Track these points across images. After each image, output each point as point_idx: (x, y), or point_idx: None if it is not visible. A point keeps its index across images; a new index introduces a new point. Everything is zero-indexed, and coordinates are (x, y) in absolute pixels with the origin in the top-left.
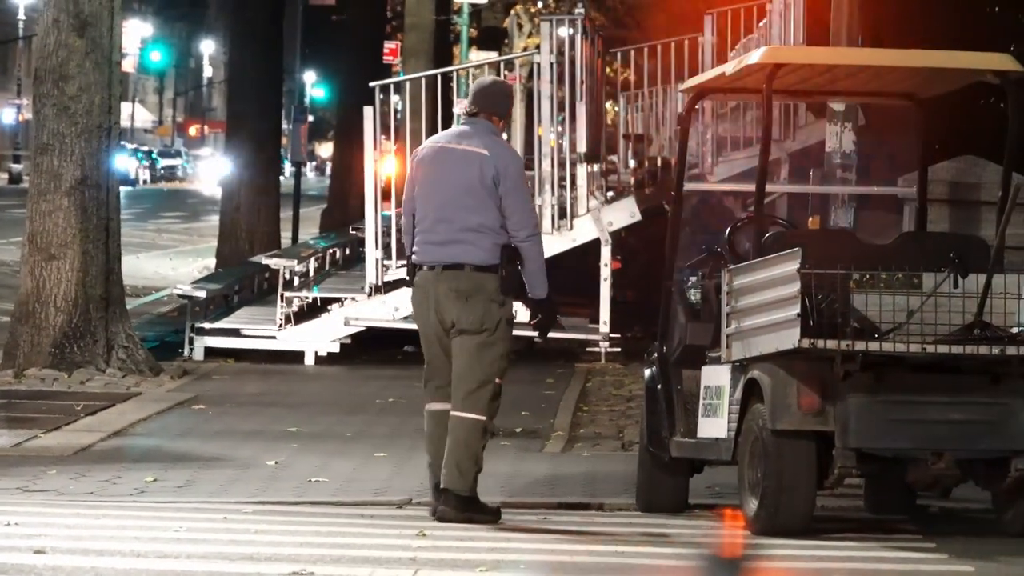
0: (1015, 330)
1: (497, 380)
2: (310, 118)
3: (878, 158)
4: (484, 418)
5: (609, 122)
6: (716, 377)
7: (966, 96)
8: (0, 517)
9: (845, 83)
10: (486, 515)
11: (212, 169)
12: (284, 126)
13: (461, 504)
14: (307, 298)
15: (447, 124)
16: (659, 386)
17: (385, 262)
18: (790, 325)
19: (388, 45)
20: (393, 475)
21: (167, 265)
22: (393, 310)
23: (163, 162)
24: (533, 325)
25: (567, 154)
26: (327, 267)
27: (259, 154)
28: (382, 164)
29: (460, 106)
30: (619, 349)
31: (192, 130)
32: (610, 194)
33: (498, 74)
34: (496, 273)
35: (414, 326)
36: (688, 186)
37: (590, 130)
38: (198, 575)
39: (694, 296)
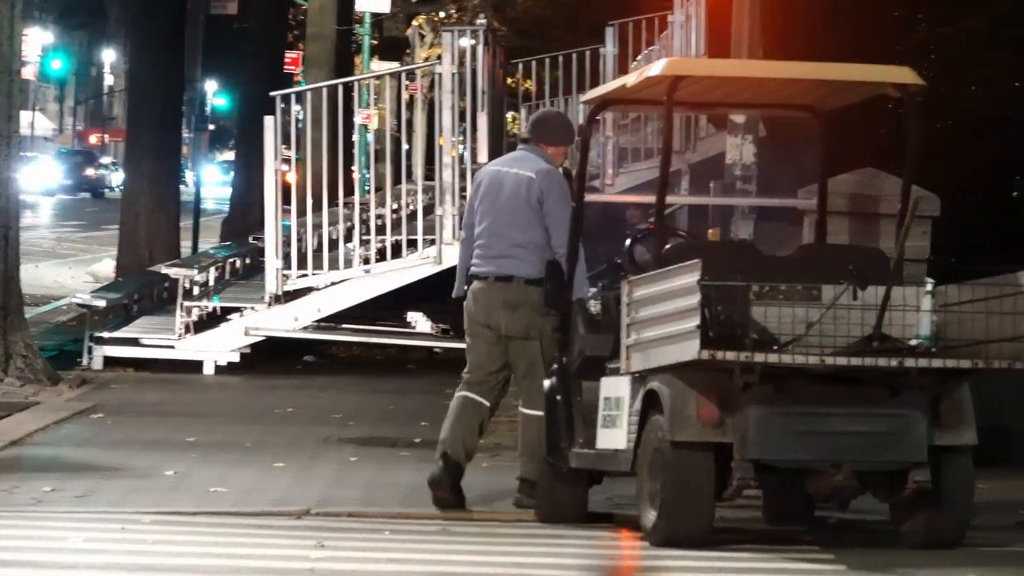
0: (914, 342)
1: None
2: (211, 127)
3: (778, 170)
4: (543, 413)
5: (510, 132)
6: (616, 388)
7: (867, 109)
8: None
9: (746, 95)
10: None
11: (113, 178)
12: (185, 135)
13: (534, 490)
14: (207, 308)
15: (348, 134)
16: (559, 397)
17: (285, 272)
18: (690, 336)
19: (290, 55)
20: (292, 485)
21: (66, 274)
22: (293, 320)
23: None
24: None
25: (468, 164)
26: (227, 276)
27: (159, 163)
28: (282, 174)
29: (361, 116)
30: None
31: (93, 139)
32: None
33: (399, 84)
34: (541, 286)
35: (314, 336)
36: (589, 197)
37: (491, 140)
38: None
39: (594, 307)
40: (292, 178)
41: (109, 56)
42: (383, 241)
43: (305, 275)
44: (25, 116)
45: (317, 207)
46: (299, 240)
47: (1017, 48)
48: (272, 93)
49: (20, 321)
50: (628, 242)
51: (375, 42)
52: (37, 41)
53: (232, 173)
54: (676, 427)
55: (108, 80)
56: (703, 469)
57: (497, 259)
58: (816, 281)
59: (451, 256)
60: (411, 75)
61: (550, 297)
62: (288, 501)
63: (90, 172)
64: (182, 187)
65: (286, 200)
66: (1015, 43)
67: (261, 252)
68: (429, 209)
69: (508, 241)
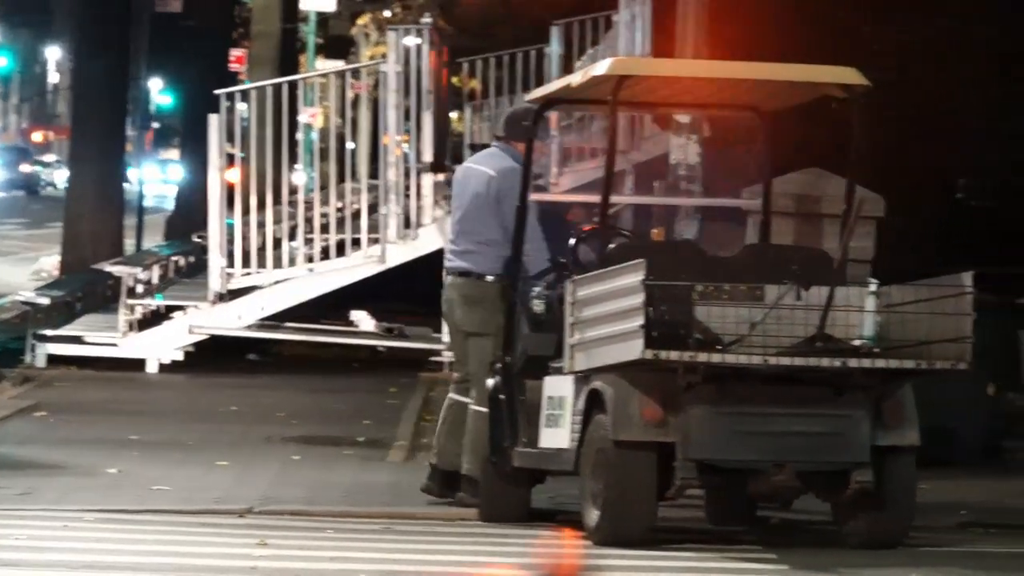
0: (857, 343)
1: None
2: (155, 125)
3: (723, 170)
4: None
5: (455, 132)
6: (559, 388)
7: (811, 109)
8: None
9: (691, 95)
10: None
11: (58, 176)
12: (129, 133)
13: (476, 488)
14: (151, 306)
15: (293, 133)
16: (502, 396)
17: (229, 270)
18: (633, 336)
19: (235, 53)
20: (235, 484)
21: (9, 272)
22: (237, 318)
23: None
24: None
25: (413, 163)
26: (171, 275)
27: (103, 161)
28: (227, 172)
29: (306, 114)
30: None
31: (37, 136)
32: None
33: (344, 82)
34: (499, 282)
35: (258, 334)
36: (533, 196)
37: (436, 140)
38: None
39: (538, 306)
40: (235, 176)
41: (54, 54)
42: (327, 240)
43: (249, 273)
44: None
45: (261, 205)
46: (243, 238)
47: (962, 53)
48: (217, 91)
49: None
50: (572, 242)
51: (320, 41)
52: None
53: (167, 171)
54: (619, 426)
55: (53, 78)
56: (646, 468)
57: (461, 255)
58: (760, 281)
59: (395, 255)
60: (356, 74)
61: (507, 293)
62: (231, 499)
63: (25, 168)
64: (126, 185)
65: (230, 199)
66: (960, 48)
67: (205, 250)
68: (373, 208)
69: (473, 237)
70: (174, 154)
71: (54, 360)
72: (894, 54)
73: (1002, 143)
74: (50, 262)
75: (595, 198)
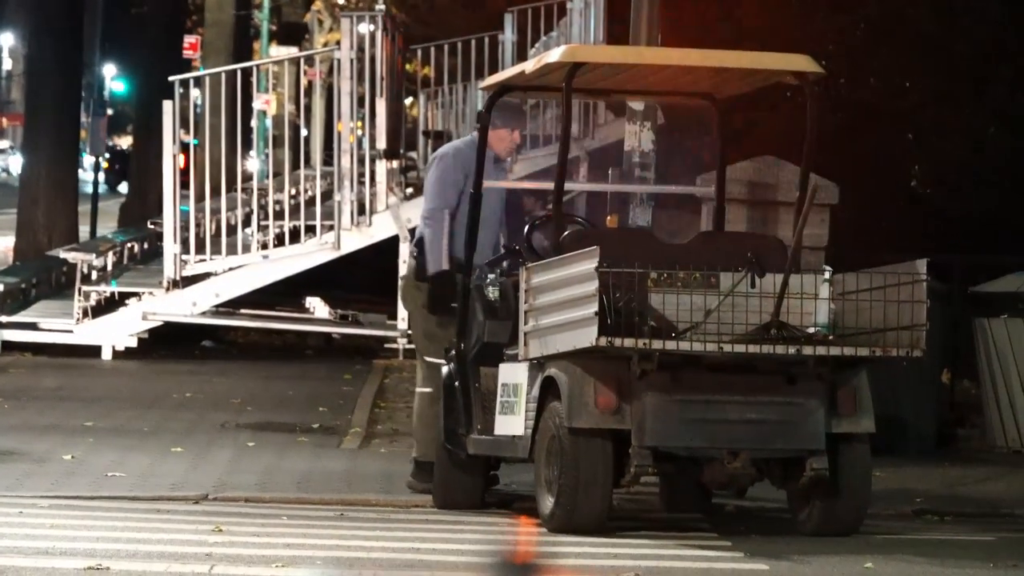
0: (811, 330)
1: (428, 360)
2: (109, 111)
3: (677, 157)
4: (430, 390)
5: (409, 119)
6: (514, 375)
7: (767, 96)
8: None
9: (645, 82)
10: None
11: (12, 162)
12: (83, 119)
13: (424, 473)
14: (105, 292)
15: (247, 119)
16: (457, 383)
17: (183, 256)
18: (587, 323)
19: (188, 39)
20: (190, 470)
21: None
22: (191, 305)
23: None
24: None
25: (367, 150)
26: (125, 261)
27: (57, 147)
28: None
29: (260, 101)
30: None
31: None
32: (409, 191)
33: (298, 69)
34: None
35: (212, 321)
36: (487, 183)
37: (390, 126)
38: None
39: (492, 293)
40: (185, 162)
41: (7, 40)
42: (281, 227)
43: (203, 260)
44: None
45: (215, 192)
46: (197, 225)
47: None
48: (171, 78)
49: None
50: (526, 229)
51: (274, 28)
52: None
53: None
54: (574, 414)
55: (7, 64)
56: (600, 456)
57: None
58: (714, 268)
59: (349, 242)
60: (310, 61)
61: (418, 271)
62: (186, 486)
63: None
64: (80, 172)
65: (184, 185)
66: (913, 34)
67: (159, 237)
68: (327, 195)
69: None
70: (127, 141)
71: (8, 347)
72: (846, 41)
73: (956, 132)
74: (1, 252)
75: (549, 185)
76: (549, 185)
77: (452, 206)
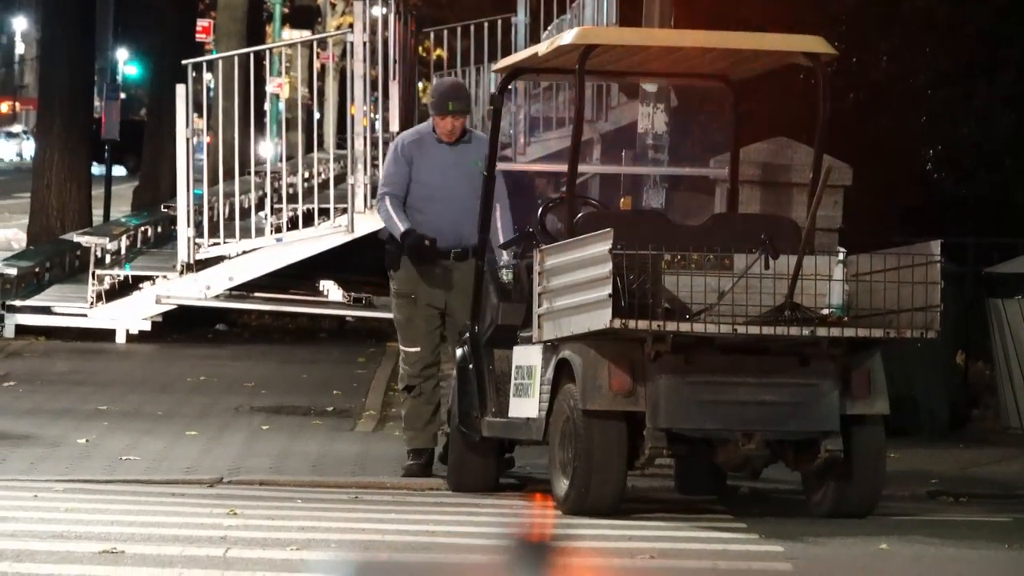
0: (825, 311)
1: (403, 348)
2: (123, 96)
3: (690, 139)
4: (401, 385)
5: (422, 102)
6: (528, 357)
7: (779, 78)
8: None
9: (658, 64)
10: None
11: (26, 147)
12: (97, 103)
13: (421, 457)
14: (119, 276)
15: (260, 103)
16: (471, 366)
17: (197, 240)
18: (602, 305)
19: (201, 23)
20: (204, 454)
21: None
22: (205, 288)
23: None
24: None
25: (380, 133)
26: (139, 245)
27: (70, 132)
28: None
29: (273, 84)
30: None
31: (3, 107)
32: None
33: (311, 53)
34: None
35: (226, 305)
36: (500, 166)
37: (403, 109)
38: (7, 553)
39: (506, 276)
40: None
41: (21, 24)
42: (295, 210)
43: (217, 243)
44: None
45: (229, 175)
46: (211, 208)
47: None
48: (184, 62)
49: None
50: (540, 211)
51: (286, 11)
52: None
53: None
54: (588, 396)
55: (20, 48)
56: (615, 438)
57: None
58: (728, 250)
59: (363, 225)
60: (323, 44)
61: (388, 259)
62: (200, 469)
63: None
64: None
65: (197, 169)
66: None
67: (173, 220)
68: (341, 178)
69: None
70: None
71: (22, 331)
72: (859, 23)
73: (969, 114)
74: (16, 236)
75: (562, 167)
76: (563, 167)
77: (400, 193)
